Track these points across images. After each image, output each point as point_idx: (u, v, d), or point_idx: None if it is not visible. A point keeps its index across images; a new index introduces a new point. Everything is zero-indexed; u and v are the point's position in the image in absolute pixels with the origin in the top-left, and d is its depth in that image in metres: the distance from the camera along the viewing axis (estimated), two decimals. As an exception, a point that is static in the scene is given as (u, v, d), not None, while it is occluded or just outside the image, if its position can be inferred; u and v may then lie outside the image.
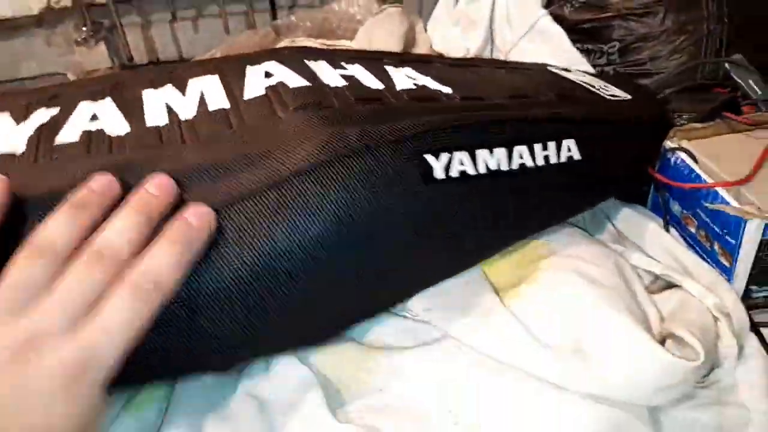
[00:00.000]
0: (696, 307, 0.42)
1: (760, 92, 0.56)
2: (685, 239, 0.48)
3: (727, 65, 0.59)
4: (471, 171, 0.37)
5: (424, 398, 0.37)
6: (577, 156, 0.42)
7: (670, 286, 0.44)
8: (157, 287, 0.25)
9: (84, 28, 0.90)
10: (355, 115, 0.37)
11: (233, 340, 0.31)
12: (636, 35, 0.65)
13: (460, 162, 0.37)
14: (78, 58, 0.99)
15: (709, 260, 0.45)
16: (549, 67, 0.57)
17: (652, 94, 0.59)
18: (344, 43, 0.81)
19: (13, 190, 0.28)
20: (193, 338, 0.29)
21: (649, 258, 0.45)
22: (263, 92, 0.39)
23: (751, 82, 0.57)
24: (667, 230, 0.48)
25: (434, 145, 0.36)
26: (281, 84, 0.39)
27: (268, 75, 0.41)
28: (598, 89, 0.52)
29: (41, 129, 0.36)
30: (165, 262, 0.26)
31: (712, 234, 0.44)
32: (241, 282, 0.29)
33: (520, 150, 0.40)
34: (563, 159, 0.42)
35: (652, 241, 0.47)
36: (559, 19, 0.71)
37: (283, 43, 0.84)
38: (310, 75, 0.41)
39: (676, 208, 0.49)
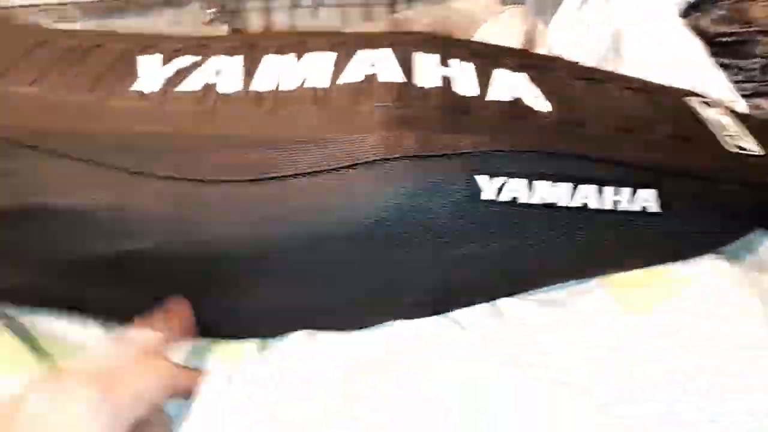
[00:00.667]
0: None
1: None
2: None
3: None
4: (524, 198, 0.37)
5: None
6: (654, 208, 0.39)
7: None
8: (137, 399, 0.32)
9: (210, 11, 0.94)
10: (427, 120, 0.38)
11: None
12: (782, 52, 0.61)
13: (515, 189, 0.36)
14: (201, 38, 1.04)
15: None
16: (689, 98, 0.51)
17: None
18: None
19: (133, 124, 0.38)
20: None
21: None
22: (358, 79, 0.41)
23: None
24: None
25: (490, 168, 0.36)
26: (375, 76, 0.41)
27: (372, 64, 0.42)
28: (727, 136, 0.47)
29: (178, 72, 0.42)
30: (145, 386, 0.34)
31: None
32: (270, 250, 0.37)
33: (587, 190, 0.38)
34: (636, 208, 0.39)
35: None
36: (696, 30, 0.67)
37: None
38: (407, 71, 0.41)
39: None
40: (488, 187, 0.36)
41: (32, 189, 0.38)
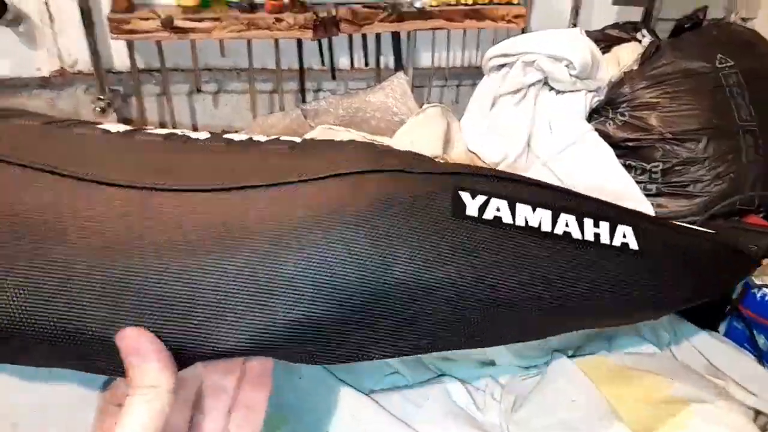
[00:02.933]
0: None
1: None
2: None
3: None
4: (507, 219, 0.35)
5: None
6: (633, 245, 0.39)
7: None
8: None
9: (102, 97, 0.86)
10: (404, 157, 0.39)
11: None
12: (679, 159, 0.70)
13: (497, 208, 0.35)
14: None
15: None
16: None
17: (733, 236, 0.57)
18: (383, 140, 0.81)
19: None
20: None
21: (748, 393, 0.47)
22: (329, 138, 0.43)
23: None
24: (762, 365, 0.50)
25: (473, 186, 0.36)
26: (350, 140, 0.43)
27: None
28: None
29: (133, 130, 0.42)
30: None
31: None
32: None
33: (567, 218, 0.37)
34: (617, 243, 0.38)
35: (746, 374, 0.49)
36: (601, 134, 0.75)
37: (316, 128, 0.83)
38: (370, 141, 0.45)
39: (762, 341, 0.52)
40: (471, 203, 0.35)
41: None
